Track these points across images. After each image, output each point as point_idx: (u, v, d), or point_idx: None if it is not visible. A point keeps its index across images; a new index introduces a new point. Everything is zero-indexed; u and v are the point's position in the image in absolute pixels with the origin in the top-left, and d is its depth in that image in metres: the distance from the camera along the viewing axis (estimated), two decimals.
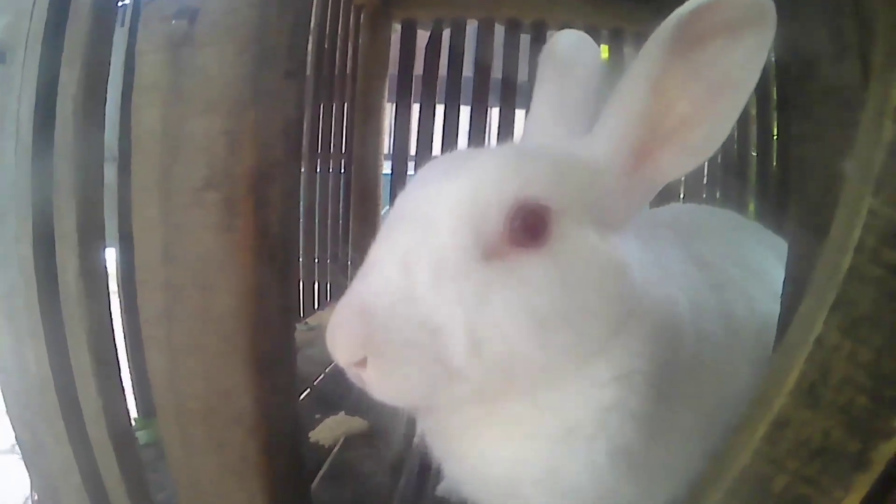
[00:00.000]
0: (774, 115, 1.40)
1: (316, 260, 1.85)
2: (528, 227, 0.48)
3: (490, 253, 0.48)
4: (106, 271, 0.65)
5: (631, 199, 0.54)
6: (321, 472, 0.93)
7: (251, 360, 0.54)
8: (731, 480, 0.44)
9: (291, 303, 0.58)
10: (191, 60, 0.52)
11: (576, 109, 0.64)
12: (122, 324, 0.93)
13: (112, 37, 0.64)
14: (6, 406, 0.89)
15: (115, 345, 0.68)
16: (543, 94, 0.65)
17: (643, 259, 0.55)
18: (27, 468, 0.91)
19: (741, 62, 0.48)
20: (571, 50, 0.66)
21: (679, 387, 0.57)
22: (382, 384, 0.48)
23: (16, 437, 0.89)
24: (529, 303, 0.47)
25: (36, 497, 0.94)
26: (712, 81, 0.49)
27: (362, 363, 0.47)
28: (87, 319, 0.64)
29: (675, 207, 1.00)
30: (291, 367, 0.59)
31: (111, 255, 0.78)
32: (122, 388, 0.69)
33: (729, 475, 0.44)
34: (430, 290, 0.46)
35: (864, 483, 0.41)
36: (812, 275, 0.44)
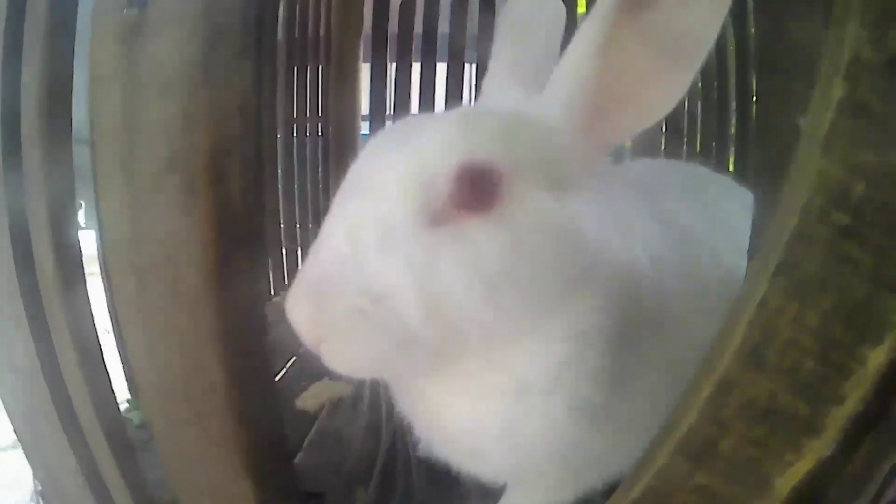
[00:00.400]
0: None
1: (297, 225, 1.86)
2: (477, 191, 0.48)
3: (438, 219, 0.48)
4: (82, 260, 0.67)
5: (586, 159, 0.54)
6: (308, 438, 0.96)
7: (220, 334, 0.56)
8: (677, 441, 0.45)
9: (258, 273, 0.60)
10: (144, 48, 0.53)
11: (536, 68, 0.63)
12: (108, 306, 0.95)
13: (72, 29, 0.65)
14: (3, 401, 0.91)
15: (97, 333, 0.70)
16: (502, 51, 0.65)
17: (601, 217, 0.55)
18: (28, 459, 0.94)
19: (698, 21, 0.47)
20: (533, 5, 0.65)
21: (642, 342, 0.58)
22: (337, 356, 0.49)
23: (14, 430, 0.92)
24: (479, 266, 0.48)
25: (40, 487, 0.97)
26: (668, 40, 0.48)
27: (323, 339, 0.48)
28: (68, 311, 0.66)
29: (643, 163, 1.00)
30: (263, 335, 0.62)
31: (91, 238, 0.80)
32: (108, 374, 0.71)
33: (676, 434, 0.45)
34: (377, 257, 0.47)
35: (816, 447, 0.41)
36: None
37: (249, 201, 0.58)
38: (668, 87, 0.50)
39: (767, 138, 0.64)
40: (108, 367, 0.72)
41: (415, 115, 0.59)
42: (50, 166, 0.63)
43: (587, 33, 0.50)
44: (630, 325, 0.56)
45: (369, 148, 0.54)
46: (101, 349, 0.70)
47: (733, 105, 1.61)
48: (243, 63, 0.55)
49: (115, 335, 1.04)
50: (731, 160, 1.59)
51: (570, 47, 0.52)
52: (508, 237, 0.49)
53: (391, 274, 0.47)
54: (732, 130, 1.60)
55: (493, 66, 0.65)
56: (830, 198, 0.37)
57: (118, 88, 0.55)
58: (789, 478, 0.43)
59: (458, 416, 0.57)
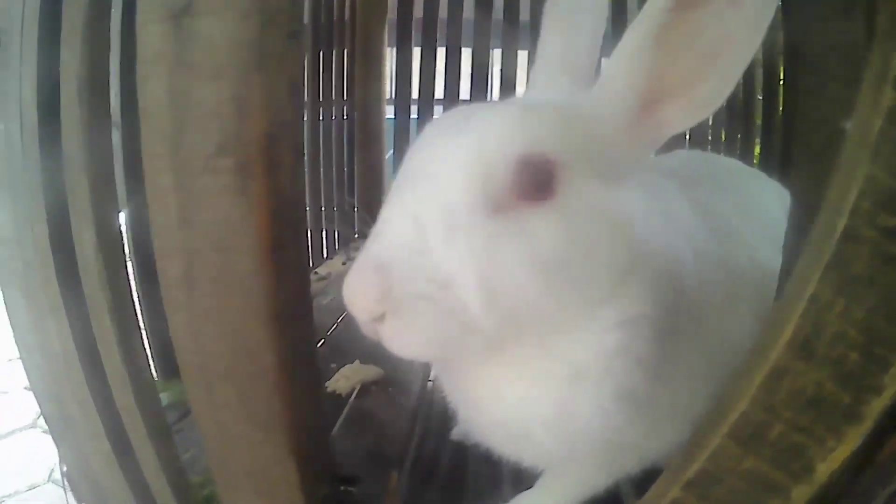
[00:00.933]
0: (781, 59, 1.40)
1: (322, 208, 1.87)
2: (535, 181, 0.50)
3: (498, 207, 0.49)
4: (122, 241, 0.67)
5: (636, 152, 0.56)
6: (339, 421, 0.97)
7: (271, 317, 0.56)
8: (730, 425, 0.46)
9: (305, 258, 0.60)
10: (193, 29, 0.53)
11: (581, 60, 0.65)
12: (137, 287, 0.94)
13: (109, 11, 0.64)
14: (30, 382, 0.92)
15: (136, 312, 0.70)
16: (548, 44, 0.66)
17: (647, 209, 0.57)
18: (55, 441, 0.94)
19: (746, 20, 0.49)
20: (577, 1, 0.66)
21: (682, 332, 0.60)
22: (399, 338, 0.49)
23: (42, 412, 0.92)
24: (538, 255, 0.49)
25: (65, 468, 0.97)
26: (716, 38, 0.50)
27: (380, 319, 0.49)
28: (108, 290, 0.66)
29: (679, 155, 1.01)
30: (310, 320, 0.62)
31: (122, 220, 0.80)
32: (146, 354, 0.72)
33: (729, 419, 0.46)
34: (441, 244, 0.48)
35: (855, 435, 0.43)
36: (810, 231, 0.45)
37: (297, 186, 0.58)
38: (716, 83, 0.52)
39: (803, 136, 0.65)
40: (144, 346, 0.72)
41: (472, 104, 0.59)
42: (92, 144, 0.62)
43: (639, 30, 0.51)
44: (673, 315, 0.58)
45: (428, 135, 0.55)
46: (140, 331, 0.70)
47: (759, 96, 1.61)
48: (293, 46, 0.54)
49: (143, 316, 1.04)
50: (757, 152, 1.60)
51: (622, 43, 0.53)
52: (565, 226, 0.50)
53: (455, 261, 0.48)
54: (758, 122, 1.60)
55: (541, 57, 0.66)
56: (878, 201, 0.40)
57: (165, 70, 0.55)
58: (830, 463, 0.45)
59: (509, 401, 0.58)
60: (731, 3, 0.48)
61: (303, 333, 0.60)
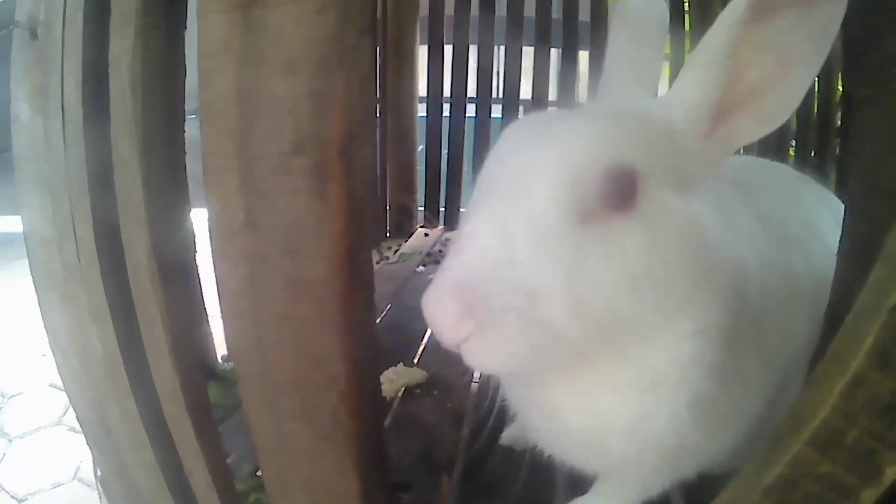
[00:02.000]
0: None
1: None
2: (620, 191, 0.49)
3: (586, 217, 0.49)
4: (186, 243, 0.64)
5: (707, 162, 0.56)
6: (386, 425, 0.95)
7: (344, 325, 0.53)
8: (811, 431, 0.46)
9: (371, 263, 0.57)
10: (263, 20, 0.50)
11: (648, 68, 0.65)
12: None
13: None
14: (65, 387, 0.89)
15: (190, 320, 0.67)
16: (616, 53, 0.66)
17: (715, 217, 0.57)
18: (90, 446, 0.92)
19: (812, 34, 0.49)
20: (642, 10, 0.67)
21: (746, 339, 0.60)
22: (483, 353, 0.48)
23: (77, 417, 0.90)
24: (623, 265, 0.49)
25: (99, 472, 0.95)
26: (785, 51, 0.50)
27: (465, 339, 0.47)
28: (161, 297, 0.63)
29: (732, 160, 1.01)
30: (374, 326, 0.59)
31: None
32: (198, 362, 0.69)
33: (810, 426, 0.47)
34: (530, 255, 0.47)
35: None
36: (881, 240, 0.45)
37: (369, 189, 0.55)
38: (785, 95, 0.52)
39: (859, 146, 0.65)
40: (196, 354, 0.69)
41: (550, 111, 0.59)
42: (146, 141, 0.59)
43: (713, 41, 0.52)
44: (740, 322, 0.58)
45: (508, 143, 0.54)
46: (192, 336, 0.68)
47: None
48: (366, 41, 0.51)
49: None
50: (792, 154, 1.58)
51: (696, 53, 0.53)
52: (649, 236, 0.50)
53: (543, 272, 0.47)
54: (793, 126, 1.58)
55: (609, 65, 0.66)
56: None
57: (232, 63, 0.52)
58: None
59: (586, 410, 0.57)
60: (801, 16, 0.49)
61: (369, 340, 0.58)
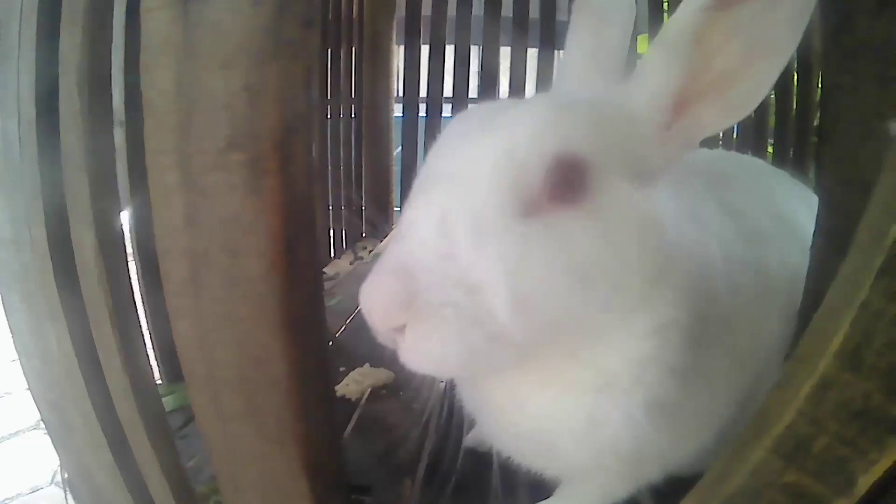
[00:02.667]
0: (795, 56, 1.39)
1: (330, 207, 1.85)
2: (567, 182, 0.47)
3: (529, 210, 0.47)
4: (124, 242, 0.63)
5: (668, 153, 0.54)
6: (349, 427, 0.94)
7: (284, 324, 0.53)
8: (774, 439, 0.45)
9: (317, 260, 0.56)
10: (202, 14, 0.49)
11: (611, 55, 0.63)
12: (140, 290, 0.91)
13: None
14: (30, 387, 0.88)
15: (138, 317, 0.66)
16: (578, 39, 0.64)
17: (677, 210, 0.55)
18: (56, 448, 0.91)
19: (782, 23, 0.48)
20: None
21: (712, 337, 0.58)
22: (420, 350, 0.46)
23: (42, 418, 0.89)
24: (571, 259, 0.47)
25: (66, 475, 0.94)
26: (753, 39, 0.49)
27: (400, 329, 0.45)
28: (109, 295, 0.63)
29: (702, 153, 0.99)
30: (322, 325, 0.59)
31: (125, 219, 0.76)
32: (149, 361, 0.68)
33: (773, 433, 0.45)
34: (469, 249, 0.45)
35: None
36: (853, 234, 0.43)
37: (310, 183, 0.54)
38: (752, 85, 0.50)
39: (835, 136, 0.63)
40: (147, 353, 0.68)
41: (498, 101, 0.57)
42: (92, 140, 0.58)
43: (676, 28, 0.50)
44: (703, 320, 0.56)
45: (454, 132, 0.52)
46: (141, 334, 0.67)
47: (771, 95, 1.58)
48: (311, 34, 0.51)
49: (146, 318, 1.01)
50: (770, 150, 1.57)
51: (658, 40, 0.51)
52: (600, 229, 0.48)
53: (483, 267, 0.45)
54: (772, 123, 1.58)
55: (570, 52, 0.64)
56: None
57: (172, 59, 0.51)
58: (871, 476, 0.43)
59: (535, 412, 0.55)
60: (770, 3, 0.47)
61: (315, 340, 0.57)
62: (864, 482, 0.43)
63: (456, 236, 0.45)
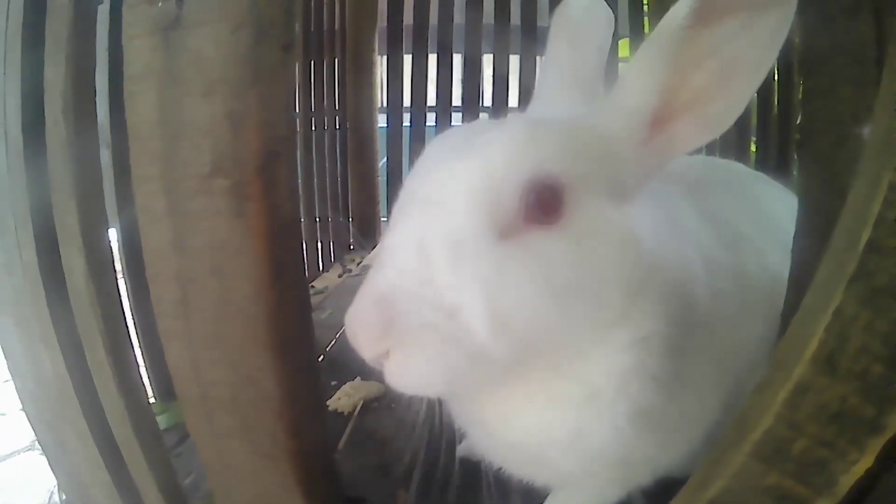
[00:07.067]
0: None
1: (317, 220, 1.85)
2: (543, 203, 0.48)
3: (506, 232, 0.47)
4: (113, 265, 0.64)
5: (644, 170, 0.54)
6: (343, 440, 0.94)
7: (273, 344, 0.54)
8: (753, 443, 0.45)
9: (304, 280, 0.57)
10: (183, 43, 0.50)
11: (588, 73, 0.63)
12: (131, 308, 0.92)
13: (95, 27, 0.61)
14: (25, 409, 0.89)
15: (130, 339, 0.67)
16: (555, 58, 0.64)
17: (656, 219, 0.55)
18: (52, 468, 0.91)
19: (759, 41, 0.48)
20: (585, 14, 0.65)
21: (695, 344, 0.58)
22: (403, 372, 0.47)
23: (37, 439, 0.89)
24: (548, 279, 0.47)
25: (63, 496, 0.95)
26: (729, 57, 0.49)
27: (385, 354, 0.46)
28: (101, 318, 0.63)
29: (682, 160, 1.00)
30: (311, 343, 0.59)
31: (113, 239, 0.77)
32: (142, 382, 0.69)
33: (752, 437, 0.45)
34: (447, 272, 0.46)
35: (876, 446, 0.42)
36: (827, 240, 0.44)
37: (294, 203, 0.55)
38: (729, 101, 0.51)
39: (812, 138, 0.63)
40: (140, 372, 0.69)
41: (473, 123, 0.57)
42: (79, 166, 0.59)
43: (653, 46, 0.50)
44: (685, 328, 0.56)
45: (431, 156, 0.52)
46: (133, 354, 0.68)
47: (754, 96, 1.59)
48: (289, 58, 0.52)
49: (138, 336, 1.01)
50: (753, 150, 1.57)
51: (636, 58, 0.51)
52: (576, 249, 0.48)
53: (462, 289, 0.46)
54: (754, 124, 1.59)
55: (546, 71, 0.65)
56: None
57: (155, 86, 0.52)
58: (851, 476, 0.44)
59: (522, 425, 0.56)
60: (747, 23, 0.48)
61: (305, 358, 0.58)
62: (846, 482, 0.43)
63: (434, 260, 0.46)
